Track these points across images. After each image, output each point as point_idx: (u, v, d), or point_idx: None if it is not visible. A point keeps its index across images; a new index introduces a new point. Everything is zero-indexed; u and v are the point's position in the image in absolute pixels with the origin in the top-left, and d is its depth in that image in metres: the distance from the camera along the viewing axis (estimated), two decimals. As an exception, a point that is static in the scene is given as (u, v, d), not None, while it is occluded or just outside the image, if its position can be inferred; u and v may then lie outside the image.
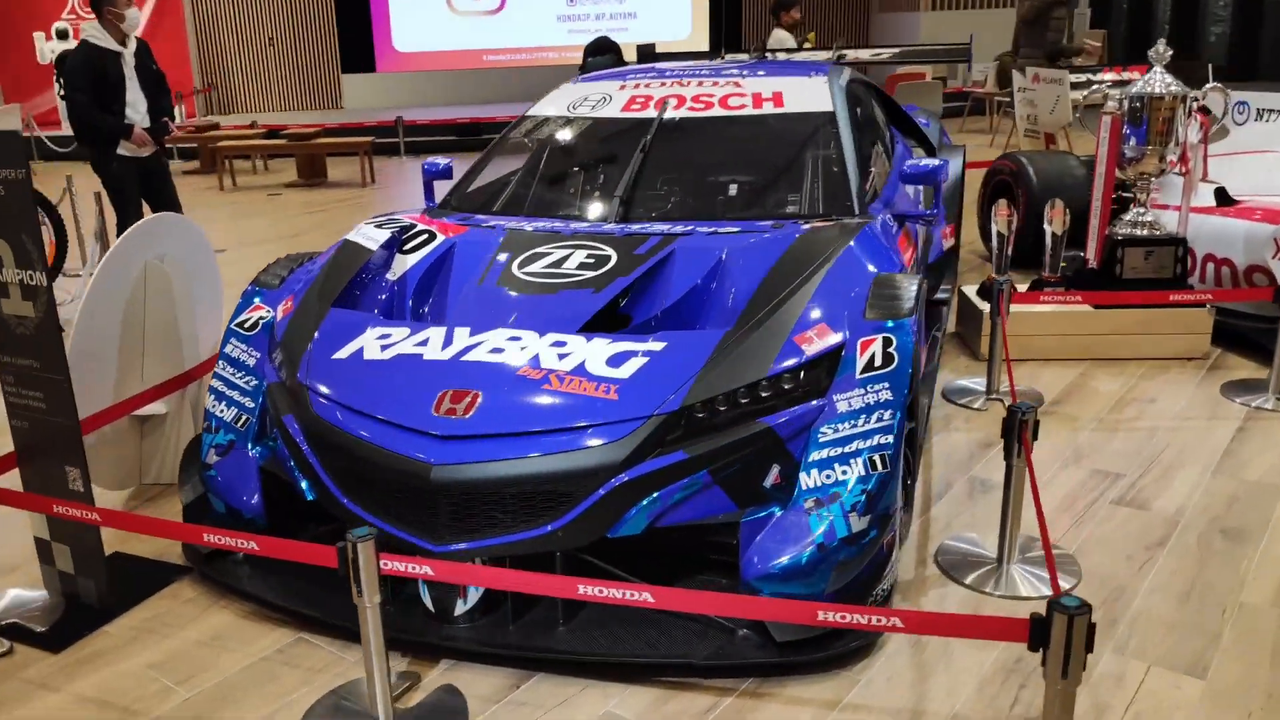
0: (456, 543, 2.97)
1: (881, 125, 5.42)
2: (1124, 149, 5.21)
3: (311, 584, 3.26)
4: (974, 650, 3.01)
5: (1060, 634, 2.22)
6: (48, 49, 17.11)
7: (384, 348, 3.40)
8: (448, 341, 3.37)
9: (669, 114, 4.59)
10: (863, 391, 3.11)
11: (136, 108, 6.62)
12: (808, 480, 3.03)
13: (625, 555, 3.11)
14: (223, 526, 3.55)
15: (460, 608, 3.10)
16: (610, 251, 3.75)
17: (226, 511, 3.57)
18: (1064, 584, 3.34)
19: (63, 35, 17.12)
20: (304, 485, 3.27)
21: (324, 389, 3.32)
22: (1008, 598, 3.29)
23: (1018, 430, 3.22)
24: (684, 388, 3.05)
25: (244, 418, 3.66)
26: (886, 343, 3.18)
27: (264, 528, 3.49)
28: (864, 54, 7.92)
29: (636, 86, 4.85)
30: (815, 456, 3.05)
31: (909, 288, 3.36)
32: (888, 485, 3.03)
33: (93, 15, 6.46)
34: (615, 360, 3.17)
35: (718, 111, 4.57)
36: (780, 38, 9.90)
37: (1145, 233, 5.34)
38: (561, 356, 3.21)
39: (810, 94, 4.62)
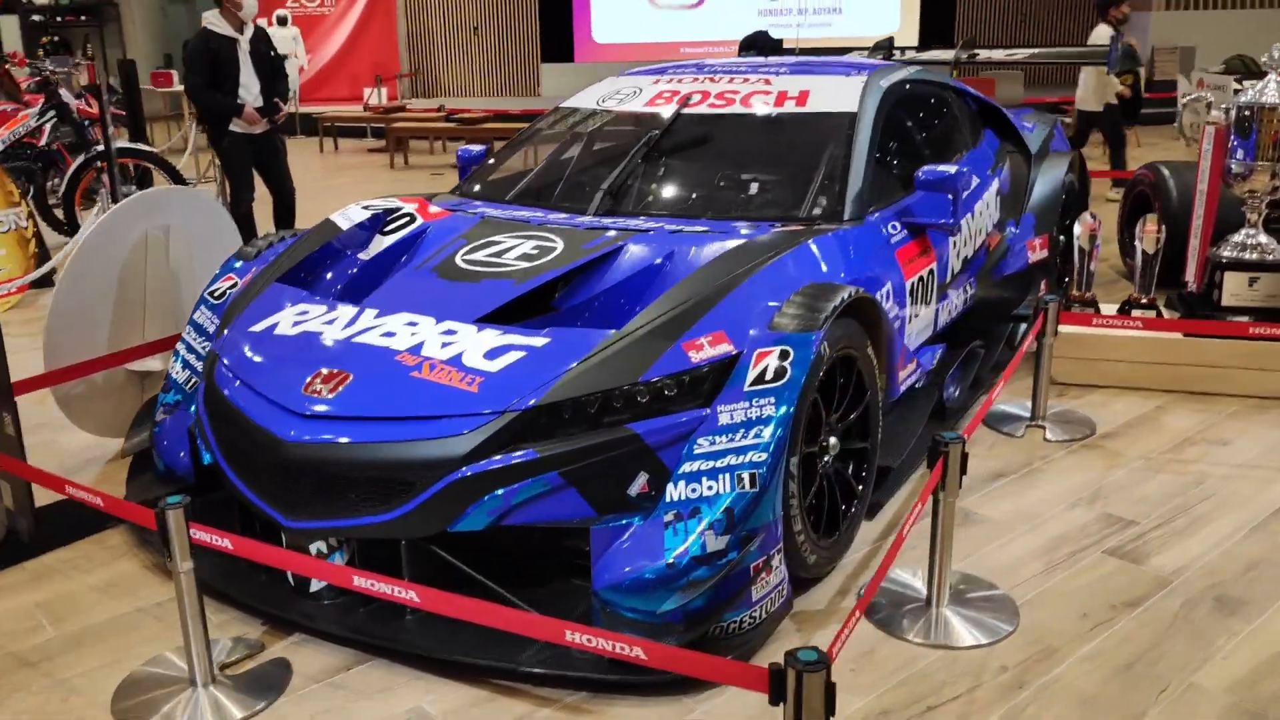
0: (307, 520, 2.99)
1: (949, 129, 5.04)
2: (1230, 163, 4.64)
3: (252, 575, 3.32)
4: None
5: (794, 690, 2.00)
6: (270, 34, 18.47)
7: (295, 323, 3.46)
8: (350, 322, 3.39)
9: (685, 110, 4.46)
10: (746, 405, 2.92)
11: (249, 89, 7.10)
12: (674, 492, 2.86)
13: (488, 554, 3.03)
14: (161, 482, 3.74)
15: (315, 584, 3.12)
16: (559, 244, 3.67)
17: (164, 468, 3.74)
18: (982, 637, 3.01)
19: (283, 22, 18.42)
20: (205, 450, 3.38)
21: (227, 359, 3.43)
22: (922, 644, 2.99)
23: (939, 462, 2.93)
24: (546, 386, 2.94)
25: (193, 380, 3.84)
26: (784, 355, 2.98)
27: (190, 486, 3.62)
28: (997, 54, 7.38)
29: (670, 81, 4.74)
30: (687, 469, 2.88)
31: (829, 300, 3.13)
32: (756, 506, 2.82)
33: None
34: (493, 353, 3.09)
35: (735, 110, 4.41)
36: (1101, 34, 8.97)
37: (1253, 256, 4.73)
38: (445, 345, 3.17)
39: (839, 94, 4.36)
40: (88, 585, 3.42)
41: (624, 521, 2.89)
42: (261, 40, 7.19)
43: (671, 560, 2.77)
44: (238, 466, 3.19)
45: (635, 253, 3.55)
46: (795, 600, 3.12)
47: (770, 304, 3.15)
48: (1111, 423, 4.47)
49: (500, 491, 2.86)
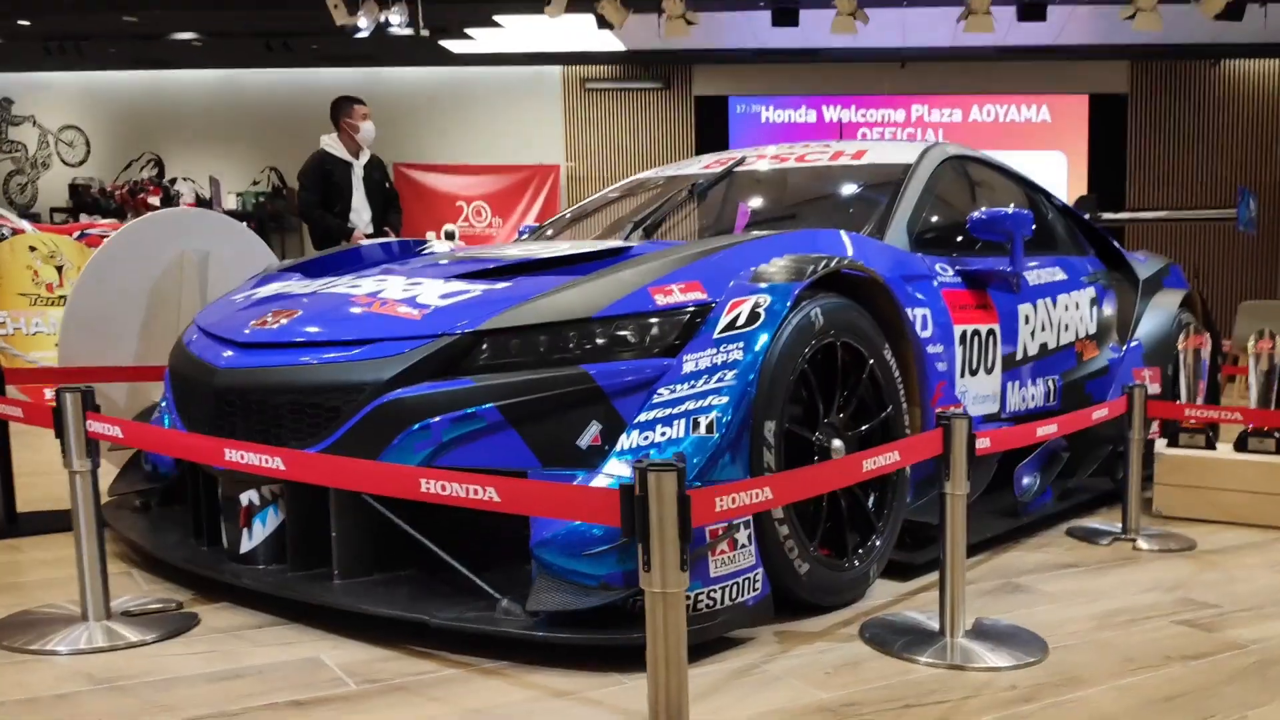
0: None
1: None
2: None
3: (187, 540, 3.26)
4: (778, 689, 2.38)
5: (653, 505, 1.74)
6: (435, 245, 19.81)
7: (273, 289, 3.51)
8: (326, 284, 3.41)
9: (738, 169, 4.49)
10: (714, 351, 2.71)
11: (360, 214, 7.44)
12: (625, 441, 2.64)
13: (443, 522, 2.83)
14: (145, 480, 3.70)
15: (245, 544, 2.97)
16: (565, 248, 3.64)
17: (149, 467, 3.70)
18: (996, 661, 2.59)
19: (450, 236, 19.67)
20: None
21: (200, 321, 3.46)
22: (925, 661, 2.59)
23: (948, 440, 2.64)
24: (492, 315, 2.83)
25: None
26: (758, 303, 2.79)
27: (172, 485, 3.57)
28: (1122, 215, 7.23)
29: (739, 155, 4.78)
30: (643, 418, 2.67)
31: (822, 261, 2.96)
32: (716, 459, 2.56)
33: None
34: (450, 295, 3.02)
35: (787, 165, 4.42)
36: None
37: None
38: (404, 290, 3.12)
39: (897, 152, 4.31)
40: (37, 558, 3.35)
41: (566, 474, 2.66)
42: (376, 168, 7.55)
43: (616, 509, 2.51)
44: (184, 414, 3.16)
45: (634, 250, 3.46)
46: (789, 624, 2.80)
47: (756, 263, 2.98)
48: (1217, 544, 3.98)
49: (431, 421, 2.69)
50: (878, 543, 3.08)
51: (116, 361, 4.21)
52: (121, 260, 4.29)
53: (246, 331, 3.09)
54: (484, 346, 2.76)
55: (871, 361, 3.08)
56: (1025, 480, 3.96)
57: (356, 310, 3.02)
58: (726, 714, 2.24)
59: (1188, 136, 13.71)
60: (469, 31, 14.00)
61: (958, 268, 3.79)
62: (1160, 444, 4.50)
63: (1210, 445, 4.41)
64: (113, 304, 4.29)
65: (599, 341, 2.76)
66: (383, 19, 11.85)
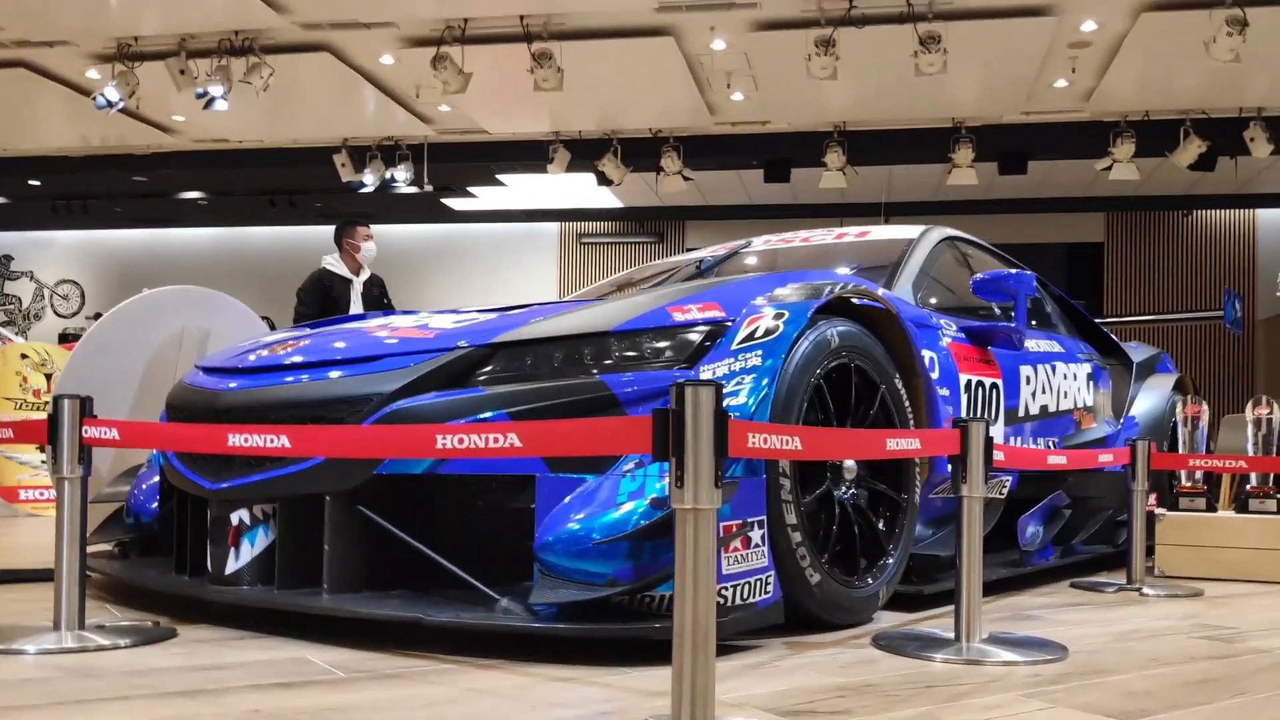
0: (231, 479, 2.80)
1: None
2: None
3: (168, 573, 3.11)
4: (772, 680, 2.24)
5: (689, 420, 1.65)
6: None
7: (283, 334, 3.46)
8: (336, 325, 3.37)
9: (742, 250, 4.54)
10: (731, 360, 2.66)
11: None
12: (640, 447, 2.57)
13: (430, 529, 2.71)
14: (128, 530, 3.55)
15: (231, 564, 2.83)
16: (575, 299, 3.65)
17: (132, 518, 3.57)
18: (1016, 657, 2.45)
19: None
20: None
21: (201, 364, 3.40)
22: (941, 659, 2.45)
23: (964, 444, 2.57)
24: (508, 331, 2.78)
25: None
26: (778, 316, 2.76)
27: (154, 536, 3.43)
28: (1110, 320, 7.28)
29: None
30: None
31: (836, 281, 2.95)
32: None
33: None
34: (462, 321, 2.98)
35: (791, 245, 4.47)
36: None
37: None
38: (415, 321, 3.08)
39: (899, 232, 4.37)
40: (14, 597, 3.19)
41: (578, 478, 2.57)
42: (375, 284, 7.58)
43: (626, 504, 2.41)
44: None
45: None
46: (800, 636, 2.66)
47: (775, 288, 2.96)
48: (1223, 591, 3.84)
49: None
50: (889, 562, 2.97)
51: (105, 414, 4.12)
52: (122, 330, 4.24)
53: (251, 359, 3.03)
54: (496, 359, 2.70)
55: (883, 388, 3.02)
56: (1030, 530, 3.86)
57: (365, 336, 2.97)
58: (743, 692, 2.10)
59: (1161, 281, 13.96)
60: (472, 190, 14.36)
61: (962, 325, 3.78)
62: (1159, 511, 4.40)
63: (1210, 509, 4.32)
64: (108, 373, 4.22)
65: (614, 355, 2.70)
66: (388, 176, 12.16)
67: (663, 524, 2.35)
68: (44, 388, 6.70)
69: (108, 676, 2.15)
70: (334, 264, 7.39)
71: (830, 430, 2.31)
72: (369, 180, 12.11)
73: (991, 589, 3.62)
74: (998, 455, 2.74)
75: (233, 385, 2.95)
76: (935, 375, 3.38)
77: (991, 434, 3.67)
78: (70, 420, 2.53)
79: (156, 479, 3.50)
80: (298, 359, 2.91)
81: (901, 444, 2.31)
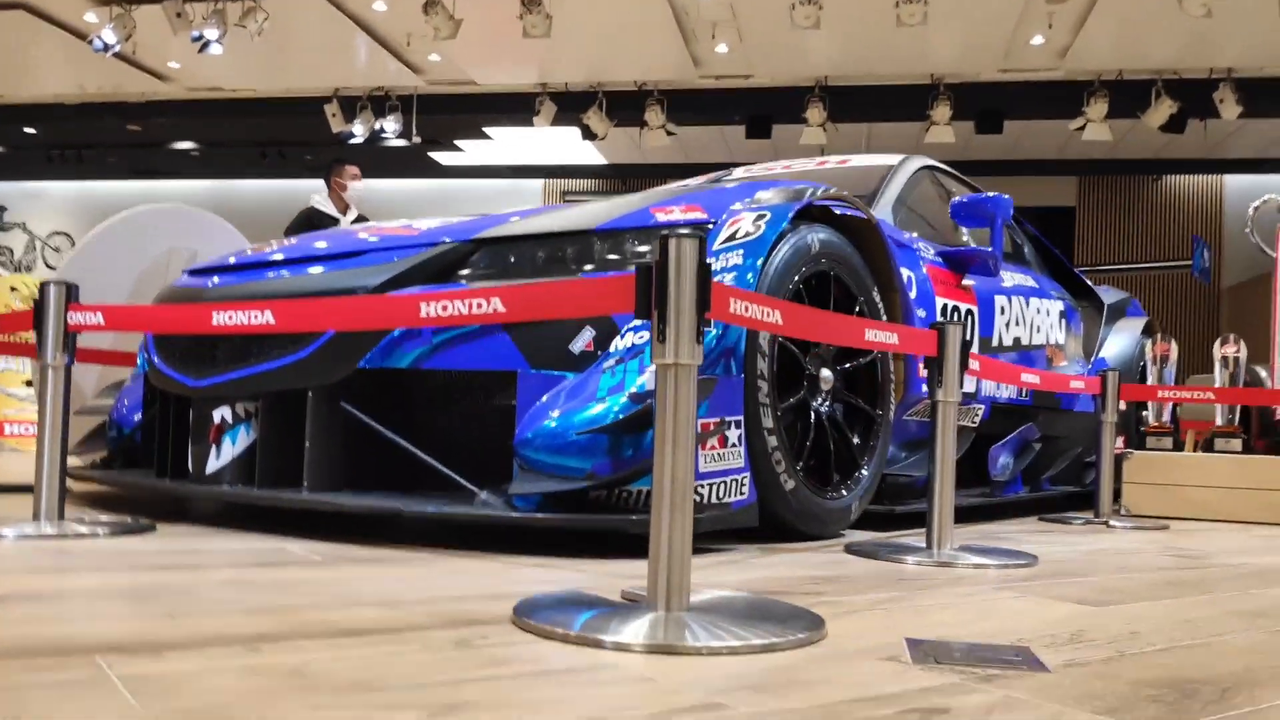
0: (214, 376, 2.72)
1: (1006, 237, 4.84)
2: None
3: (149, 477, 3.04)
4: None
5: (672, 272, 1.58)
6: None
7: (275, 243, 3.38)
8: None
9: (725, 177, 4.47)
10: (712, 260, 2.60)
11: None
12: (619, 343, 2.50)
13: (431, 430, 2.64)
14: (111, 442, 3.48)
15: (212, 463, 2.76)
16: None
17: (114, 430, 3.50)
18: (996, 561, 2.41)
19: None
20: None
21: (188, 269, 3.32)
22: (924, 564, 2.41)
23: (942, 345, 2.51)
24: (491, 228, 2.72)
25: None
26: (758, 218, 2.69)
27: (136, 446, 3.37)
28: (1081, 269, 7.21)
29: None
30: (638, 321, 2.53)
31: (815, 189, 2.87)
32: (707, 353, 2.43)
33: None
34: (449, 221, 2.91)
35: (774, 173, 4.39)
36: None
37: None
38: (404, 222, 3.01)
39: (878, 159, 4.30)
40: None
41: (559, 375, 2.51)
42: (363, 222, 7.48)
43: (606, 398, 2.36)
44: (163, 348, 2.98)
45: None
46: (773, 545, 2.62)
47: (759, 193, 2.88)
48: (1189, 527, 3.82)
49: None
50: (863, 474, 2.92)
51: (91, 345, 4.04)
52: (112, 246, 4.15)
53: (232, 260, 2.96)
54: (480, 256, 2.64)
55: (861, 300, 2.97)
56: (1001, 460, 3.82)
57: (350, 236, 2.90)
58: (718, 578, 2.05)
59: (1131, 246, 13.93)
60: (459, 143, 14.20)
61: (939, 250, 3.73)
62: (1127, 451, 4.38)
63: (1177, 447, 4.30)
64: (96, 287, 4.12)
65: (597, 253, 2.63)
66: (378, 127, 12.01)
67: (641, 418, 2.30)
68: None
69: (86, 556, 2.09)
70: (322, 202, 7.24)
71: (811, 309, 2.24)
72: (358, 131, 11.95)
73: (962, 517, 3.58)
74: (973, 364, 2.69)
75: (217, 281, 2.88)
76: (913, 295, 3.33)
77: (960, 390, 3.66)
78: (56, 306, 2.45)
79: (140, 392, 3.43)
80: (281, 256, 2.84)
81: (880, 336, 2.26)
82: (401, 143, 13.76)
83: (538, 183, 15.67)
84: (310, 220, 7.17)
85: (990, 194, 3.74)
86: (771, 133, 12.27)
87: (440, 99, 12.10)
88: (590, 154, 14.08)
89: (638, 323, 2.50)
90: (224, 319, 2.25)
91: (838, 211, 2.94)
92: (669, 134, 11.70)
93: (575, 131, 11.79)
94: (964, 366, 2.53)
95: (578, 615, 1.50)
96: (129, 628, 1.40)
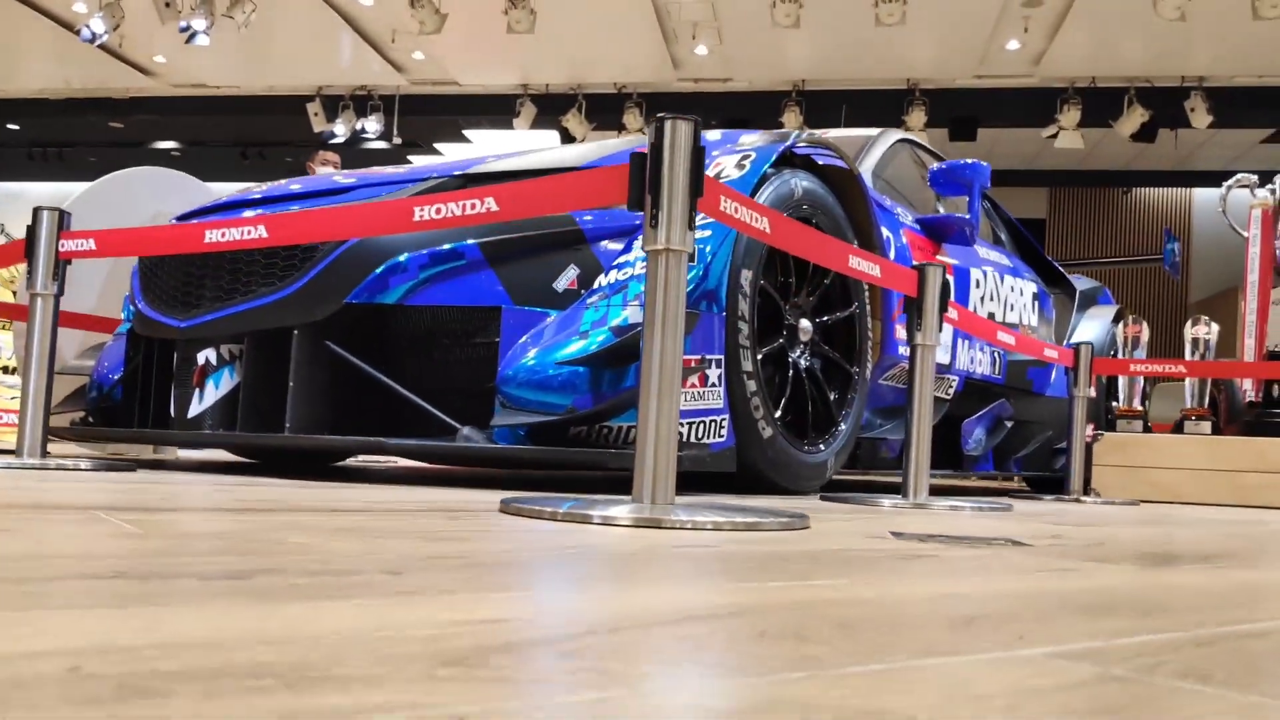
0: (201, 315, 2.70)
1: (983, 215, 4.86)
2: (1281, 246, 4.34)
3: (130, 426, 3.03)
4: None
5: (666, 154, 1.58)
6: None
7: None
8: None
9: None
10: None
11: None
12: (604, 279, 2.50)
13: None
14: (90, 405, 3.46)
15: (195, 407, 2.74)
16: None
17: (94, 389, 3.47)
18: (973, 505, 2.43)
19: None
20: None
21: (181, 215, 3.30)
22: (901, 506, 2.41)
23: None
24: (479, 164, 2.72)
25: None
26: (744, 158, 2.70)
27: (116, 405, 3.34)
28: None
29: None
30: (623, 259, 2.54)
31: (799, 134, 2.90)
32: (690, 291, 2.43)
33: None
34: (435, 162, 2.92)
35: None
36: None
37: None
38: (390, 170, 3.01)
39: (859, 132, 4.33)
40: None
41: (541, 312, 2.51)
42: None
43: (587, 330, 2.36)
44: (150, 291, 2.96)
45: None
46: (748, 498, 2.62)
47: (745, 136, 2.90)
48: (1158, 506, 3.85)
49: (409, 257, 2.53)
50: (841, 429, 2.93)
51: (75, 308, 4.00)
52: (100, 206, 4.11)
53: (223, 197, 2.95)
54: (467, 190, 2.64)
55: (838, 252, 2.99)
56: (975, 434, 3.85)
57: (337, 182, 2.90)
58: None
59: (1099, 261, 14.07)
60: (438, 146, 14.19)
61: (916, 217, 3.75)
62: (1098, 434, 4.41)
63: (1147, 429, 4.34)
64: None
65: None
66: (359, 127, 11.99)
67: (623, 352, 2.30)
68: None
69: (67, 482, 2.07)
70: None
71: (797, 224, 2.24)
72: (340, 131, 11.93)
73: (931, 493, 3.60)
74: (951, 313, 2.70)
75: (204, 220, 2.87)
76: (891, 255, 3.35)
77: (939, 336, 3.69)
78: (48, 233, 2.43)
79: (121, 351, 3.40)
80: (262, 196, 2.84)
81: (863, 265, 2.27)
82: (382, 144, 13.74)
83: (518, 187, 15.64)
84: None
85: (969, 160, 3.76)
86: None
87: (422, 99, 12.09)
88: (571, 158, 14.08)
89: (622, 259, 2.51)
90: (216, 236, 2.24)
91: (820, 162, 2.96)
92: (644, 134, 11.71)
93: (554, 135, 11.80)
94: (943, 310, 2.54)
95: (563, 503, 1.51)
96: (122, 500, 1.39)
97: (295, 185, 2.95)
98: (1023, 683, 0.57)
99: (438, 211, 1.84)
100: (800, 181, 2.78)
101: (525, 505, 1.46)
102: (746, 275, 2.57)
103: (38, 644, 0.54)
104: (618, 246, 2.56)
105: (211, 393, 2.73)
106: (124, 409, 3.21)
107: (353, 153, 13.87)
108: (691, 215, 1.53)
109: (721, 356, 2.49)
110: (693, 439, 2.42)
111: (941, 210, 4.08)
